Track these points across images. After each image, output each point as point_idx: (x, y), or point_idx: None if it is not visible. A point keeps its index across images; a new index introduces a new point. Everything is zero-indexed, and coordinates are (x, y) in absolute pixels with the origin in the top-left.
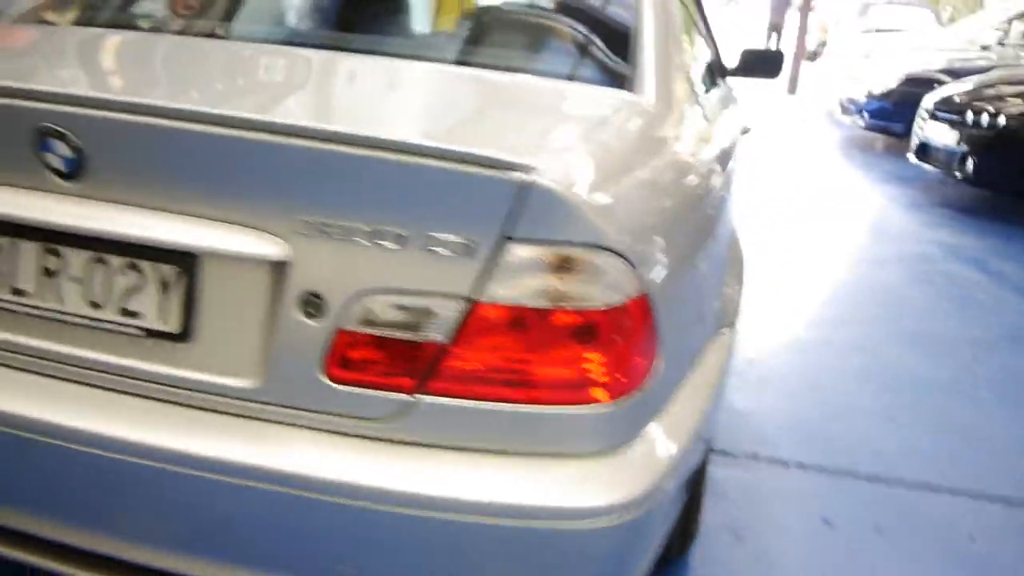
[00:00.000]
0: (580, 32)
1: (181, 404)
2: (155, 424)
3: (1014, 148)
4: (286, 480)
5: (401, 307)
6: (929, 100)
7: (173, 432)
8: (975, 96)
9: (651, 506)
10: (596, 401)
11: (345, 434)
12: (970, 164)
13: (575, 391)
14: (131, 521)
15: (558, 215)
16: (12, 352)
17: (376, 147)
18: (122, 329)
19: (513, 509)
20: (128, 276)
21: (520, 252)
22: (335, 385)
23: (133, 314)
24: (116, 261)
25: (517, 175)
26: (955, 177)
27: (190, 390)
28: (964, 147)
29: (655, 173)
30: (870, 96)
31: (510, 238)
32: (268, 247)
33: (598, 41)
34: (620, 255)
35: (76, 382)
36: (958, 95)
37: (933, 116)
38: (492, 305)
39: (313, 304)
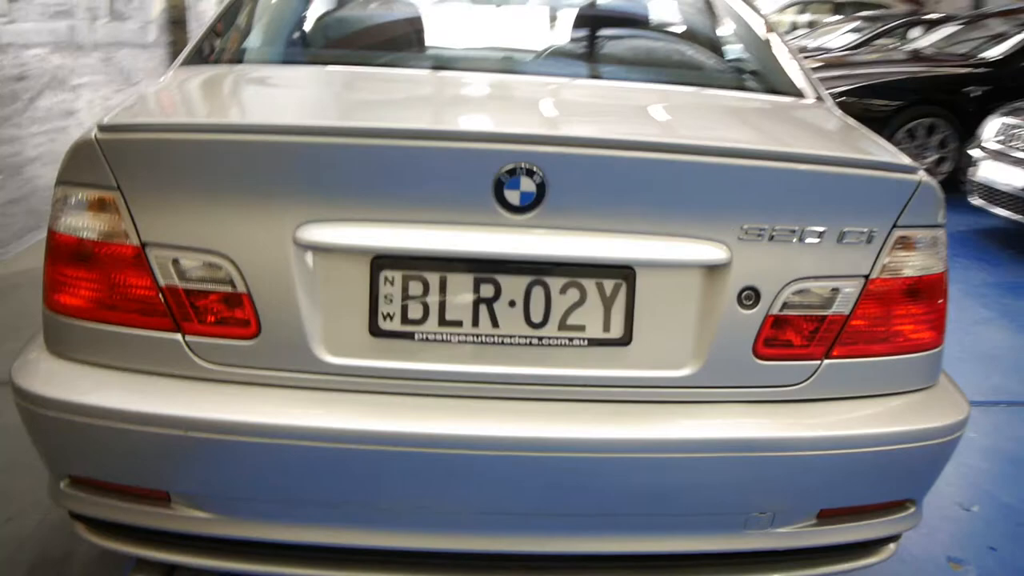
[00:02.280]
0: (769, 55)
1: (627, 401)
2: (614, 422)
3: None
4: (739, 446)
5: (817, 290)
6: None
7: (633, 426)
8: None
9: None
10: (937, 346)
11: (768, 401)
12: None
13: (927, 339)
14: (607, 516)
15: (931, 204)
16: (450, 382)
17: (808, 161)
18: (565, 343)
19: (905, 434)
20: (568, 294)
21: (904, 235)
22: (762, 361)
23: (577, 328)
24: (556, 282)
25: (916, 176)
26: None
27: (633, 387)
28: None
29: None
30: None
31: (896, 225)
32: (710, 253)
33: (778, 63)
34: (945, 230)
35: (521, 399)
36: None
37: None
38: (881, 280)
39: (749, 296)
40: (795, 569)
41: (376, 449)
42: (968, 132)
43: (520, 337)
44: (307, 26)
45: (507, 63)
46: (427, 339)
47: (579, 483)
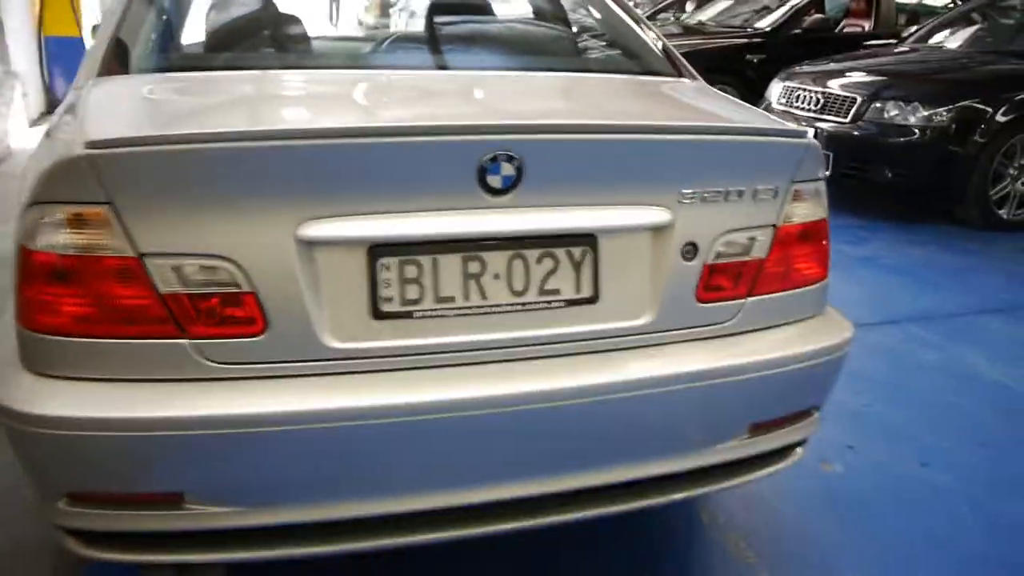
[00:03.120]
0: (644, 40)
1: (596, 352)
2: (592, 369)
3: None
4: (689, 378)
5: (741, 240)
6: None
7: (607, 371)
8: None
9: None
10: (824, 278)
11: (708, 338)
12: None
13: (818, 274)
14: (587, 453)
15: (816, 161)
16: (448, 352)
17: (731, 133)
18: (544, 306)
19: (812, 353)
20: (543, 263)
21: (798, 188)
22: (701, 305)
23: (553, 292)
24: (532, 253)
25: (806, 139)
26: None
27: (602, 338)
28: None
29: None
30: None
31: (793, 180)
32: (658, 216)
33: (653, 47)
34: (824, 182)
35: (511, 360)
36: None
37: None
38: (785, 227)
39: (690, 250)
40: (726, 480)
41: (389, 421)
42: (755, 95)
43: (506, 305)
44: (224, 31)
45: (424, 59)
46: (425, 316)
47: (566, 426)
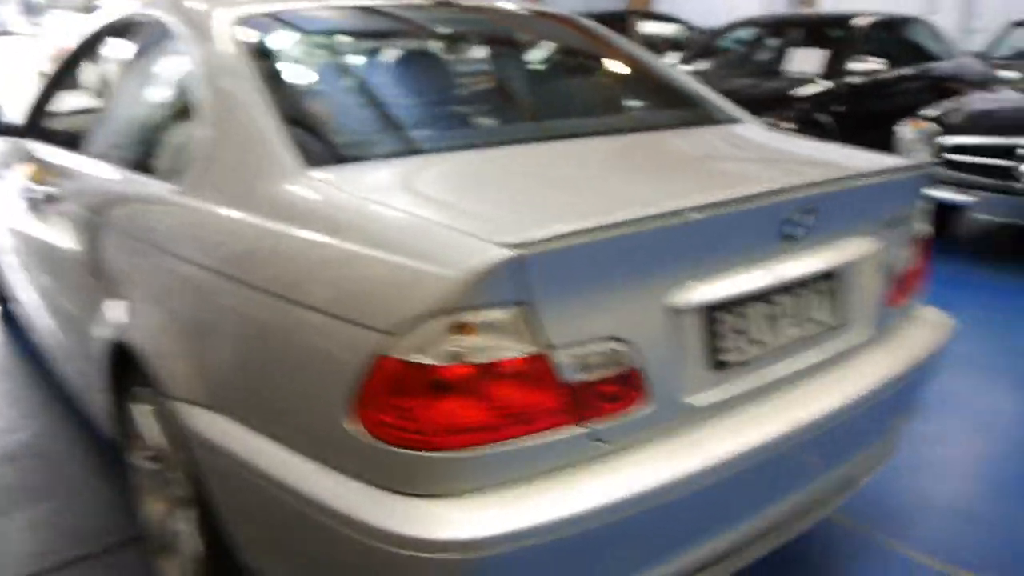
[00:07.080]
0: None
1: (837, 370)
2: (856, 382)
3: None
4: (905, 372)
5: (906, 255)
6: None
7: (857, 383)
8: None
9: None
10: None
11: (887, 339)
12: None
13: (922, 276)
14: (842, 452)
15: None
16: (765, 391)
17: (908, 171)
18: (814, 336)
19: (944, 339)
20: (808, 299)
21: (922, 207)
22: (888, 312)
23: (818, 323)
24: (804, 291)
25: (931, 168)
26: None
27: (847, 357)
28: None
29: None
30: None
31: (919, 199)
32: (874, 245)
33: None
34: None
35: (802, 387)
36: None
37: None
38: (918, 239)
39: (887, 270)
40: (877, 465)
41: (759, 459)
42: None
43: (794, 341)
44: (426, 107)
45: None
46: (748, 362)
47: (842, 430)
